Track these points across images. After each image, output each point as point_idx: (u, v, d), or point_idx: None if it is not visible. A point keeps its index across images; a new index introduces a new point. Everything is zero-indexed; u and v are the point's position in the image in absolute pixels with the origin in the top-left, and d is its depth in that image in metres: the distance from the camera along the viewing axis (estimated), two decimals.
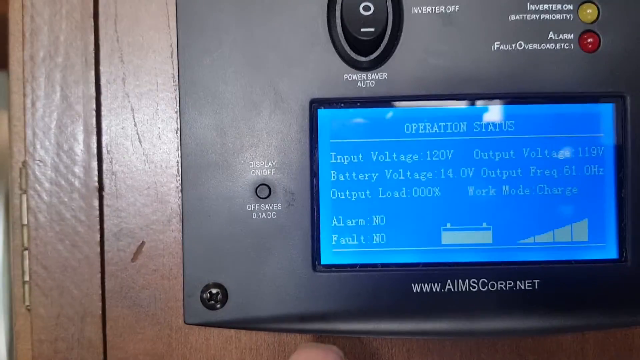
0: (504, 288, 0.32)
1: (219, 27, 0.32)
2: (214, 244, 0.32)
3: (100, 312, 0.34)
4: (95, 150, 0.34)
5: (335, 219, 0.33)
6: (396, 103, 0.33)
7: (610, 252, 0.33)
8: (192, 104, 0.32)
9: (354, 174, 0.33)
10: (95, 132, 0.34)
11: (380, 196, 0.33)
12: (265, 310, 0.32)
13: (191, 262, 0.32)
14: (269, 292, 0.32)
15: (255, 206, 0.32)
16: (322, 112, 0.33)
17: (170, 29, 0.34)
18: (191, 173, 0.32)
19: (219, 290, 0.32)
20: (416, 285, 0.33)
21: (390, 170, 0.33)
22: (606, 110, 0.33)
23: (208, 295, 0.32)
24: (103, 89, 0.34)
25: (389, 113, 0.33)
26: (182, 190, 0.32)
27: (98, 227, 0.34)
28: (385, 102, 0.33)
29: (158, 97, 0.34)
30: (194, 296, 0.32)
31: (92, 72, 0.34)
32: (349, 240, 0.33)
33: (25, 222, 0.34)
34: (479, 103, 0.33)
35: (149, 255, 0.34)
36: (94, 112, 0.34)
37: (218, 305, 0.32)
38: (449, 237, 0.33)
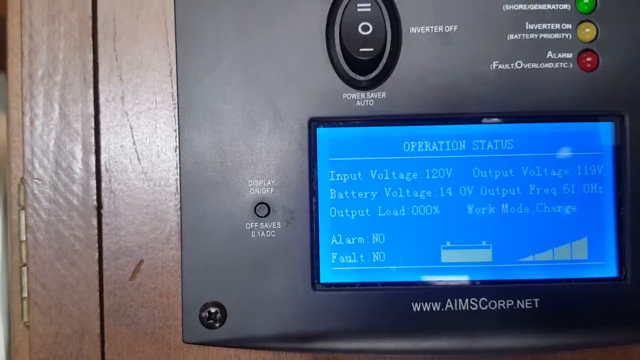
0: (504, 307, 0.32)
1: (218, 46, 0.32)
2: (213, 263, 0.32)
3: (99, 330, 0.34)
4: (93, 169, 0.34)
5: (334, 237, 0.33)
6: (395, 122, 0.33)
7: (609, 270, 0.33)
8: (191, 122, 0.32)
9: (353, 192, 0.33)
10: (94, 151, 0.34)
11: (380, 214, 0.33)
12: (265, 329, 0.32)
13: (190, 280, 0.32)
14: (268, 311, 0.32)
15: (254, 225, 0.32)
16: (321, 131, 0.33)
17: (169, 47, 0.34)
18: (190, 191, 0.32)
19: (217, 309, 0.32)
20: (416, 304, 0.33)
21: (390, 189, 0.33)
22: (605, 129, 0.33)
23: (207, 314, 0.32)
24: (102, 108, 0.34)
25: (388, 132, 0.33)
26: (181, 209, 0.32)
27: (96, 245, 0.34)
28: (384, 120, 0.33)
29: (157, 115, 0.34)
30: (193, 315, 0.32)
31: (91, 91, 0.34)
32: (348, 259, 0.33)
33: (23, 238, 0.34)
34: (478, 122, 0.33)
35: (148, 274, 0.34)
36: (92, 131, 0.34)
37: (217, 324, 0.32)
38: (448, 256, 0.33)
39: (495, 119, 0.33)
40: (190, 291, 0.32)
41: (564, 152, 0.33)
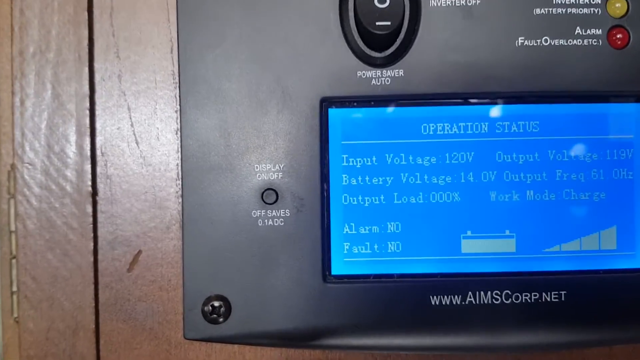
0: (529, 300, 0.31)
1: (223, 20, 0.30)
2: (216, 253, 0.30)
3: (94, 326, 0.32)
4: (88, 152, 0.32)
5: (347, 226, 0.31)
6: (413, 102, 0.31)
7: None
8: (193, 102, 0.30)
9: (367, 178, 0.31)
10: (88, 133, 0.32)
11: (396, 202, 0.31)
12: (271, 324, 0.30)
13: (192, 272, 0.30)
14: (275, 305, 0.30)
15: (261, 212, 0.30)
16: (333, 112, 0.31)
17: (170, 23, 0.32)
18: (192, 177, 0.30)
19: (221, 302, 0.30)
20: (434, 297, 0.31)
21: (406, 174, 0.31)
22: (636, 111, 0.31)
23: (210, 308, 0.30)
24: (97, 87, 0.32)
25: (405, 113, 0.31)
26: (182, 195, 0.30)
27: (91, 234, 0.32)
28: (401, 100, 0.31)
29: (157, 95, 0.32)
30: (195, 309, 0.30)
31: (86, 69, 0.32)
32: (361, 249, 0.31)
33: (13, 228, 0.32)
34: (501, 102, 0.31)
35: (146, 265, 0.32)
36: (87, 112, 0.32)
37: (221, 319, 0.30)
38: (469, 246, 0.31)
39: (520, 100, 0.31)
40: (192, 284, 0.30)
41: (593, 135, 0.31)
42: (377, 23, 0.30)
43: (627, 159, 0.31)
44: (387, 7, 0.30)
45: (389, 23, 0.30)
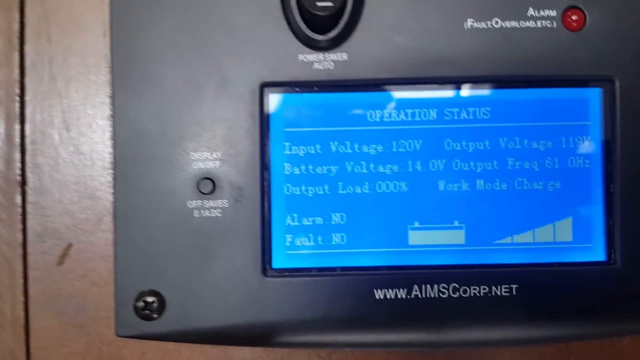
0: (478, 294, 0.29)
1: (158, 2, 0.29)
2: (150, 246, 0.29)
3: (23, 321, 0.31)
4: (17, 141, 0.31)
5: (289, 218, 0.30)
6: (358, 87, 0.30)
7: (597, 253, 0.30)
8: (126, 88, 0.29)
9: (310, 167, 0.30)
10: (18, 120, 0.31)
11: (340, 192, 0.30)
12: (209, 320, 0.29)
13: (124, 266, 0.29)
14: (212, 300, 0.29)
15: (197, 203, 0.29)
16: (274, 97, 0.30)
17: (104, 4, 0.31)
18: (125, 166, 0.29)
19: (155, 298, 0.29)
20: (379, 291, 0.30)
21: (352, 163, 0.30)
22: (593, 96, 0.30)
23: (143, 303, 0.29)
24: (28, 72, 0.31)
25: (350, 99, 0.30)
26: (114, 186, 0.29)
27: (20, 226, 0.31)
28: (345, 86, 0.30)
29: (89, 80, 0.31)
30: (127, 305, 0.29)
31: (17, 54, 0.31)
32: (304, 241, 0.30)
33: None
34: (451, 88, 0.30)
35: (77, 259, 0.31)
36: (17, 98, 0.31)
37: (154, 315, 0.29)
38: (416, 237, 0.30)
39: (470, 85, 0.30)
40: (124, 278, 0.29)
41: (547, 122, 0.30)
42: (319, 4, 0.29)
43: (584, 146, 0.30)
44: None
45: (331, 4, 0.29)
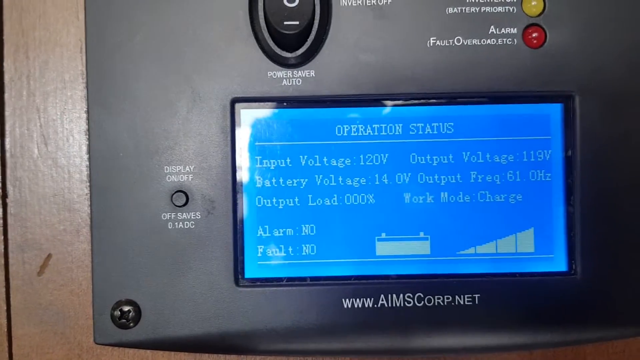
0: (441, 303, 0.31)
1: (131, 20, 0.30)
2: (126, 257, 0.30)
3: (5, 330, 0.32)
4: None
5: (261, 229, 0.32)
6: (326, 103, 0.31)
7: (558, 264, 0.32)
8: (101, 102, 0.30)
9: (281, 180, 0.32)
10: None
11: (310, 204, 0.32)
12: (183, 329, 0.31)
13: (101, 276, 0.30)
14: (186, 309, 0.31)
15: (171, 215, 0.31)
16: (245, 112, 0.31)
17: (80, 21, 0.32)
18: (101, 179, 0.30)
19: (131, 307, 0.30)
20: (347, 300, 0.31)
21: (321, 176, 0.32)
22: (554, 111, 0.32)
23: (119, 313, 0.30)
24: (6, 88, 0.32)
25: (319, 114, 0.31)
26: (90, 198, 0.30)
27: (1, 237, 0.32)
28: (314, 102, 0.31)
29: (66, 95, 0.32)
30: (104, 314, 0.30)
31: None
32: (275, 252, 0.32)
33: None
34: (415, 103, 0.31)
35: (57, 269, 0.32)
36: None
37: (131, 324, 0.30)
38: (383, 248, 0.32)
39: (434, 101, 0.31)
40: (101, 288, 0.30)
41: (508, 136, 0.32)
42: (286, 23, 0.30)
43: (545, 160, 0.32)
44: (296, 6, 0.30)
45: (297, 22, 0.30)
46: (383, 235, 0.32)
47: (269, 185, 0.31)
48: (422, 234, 0.32)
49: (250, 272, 0.31)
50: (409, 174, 0.31)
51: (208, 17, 0.30)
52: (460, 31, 0.31)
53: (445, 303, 0.31)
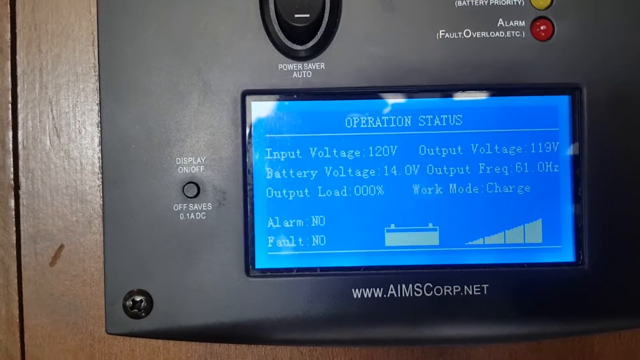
0: (450, 293, 0.32)
1: (143, 12, 0.31)
2: (137, 248, 0.31)
3: (18, 320, 0.33)
4: (10, 146, 0.33)
5: (271, 220, 0.32)
6: (336, 95, 0.32)
7: (566, 254, 0.33)
8: (113, 95, 0.31)
9: (291, 172, 0.32)
10: (10, 127, 0.33)
11: (320, 195, 0.32)
12: (194, 319, 0.31)
13: (113, 267, 0.31)
14: (198, 300, 0.31)
15: (182, 206, 0.31)
16: (255, 105, 0.32)
17: (92, 15, 0.33)
18: (113, 170, 0.31)
19: (143, 297, 0.31)
20: (357, 290, 0.32)
21: (330, 168, 0.32)
22: (561, 103, 0.32)
23: (131, 303, 0.31)
24: (19, 81, 0.33)
25: (328, 106, 0.32)
26: (102, 189, 0.31)
27: (14, 228, 0.33)
28: (324, 94, 0.32)
29: (78, 88, 0.33)
30: (116, 304, 0.31)
31: (8, 63, 0.33)
32: (286, 243, 0.32)
33: None
34: (424, 96, 0.32)
35: (69, 260, 0.33)
36: (9, 105, 0.33)
37: (143, 314, 0.31)
38: (392, 239, 0.32)
39: (443, 93, 0.32)
40: (113, 278, 0.31)
41: (517, 128, 0.32)
42: (296, 15, 0.31)
43: (553, 151, 0.32)
44: None
45: (307, 15, 0.31)
46: (392, 226, 0.32)
47: (279, 176, 0.32)
48: (430, 225, 0.32)
49: (260, 263, 0.32)
50: (418, 165, 0.32)
51: (219, 10, 0.31)
52: (469, 24, 0.32)
53: (454, 293, 0.32)
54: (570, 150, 0.32)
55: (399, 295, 0.32)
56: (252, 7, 0.31)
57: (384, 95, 0.32)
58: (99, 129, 0.33)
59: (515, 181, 0.32)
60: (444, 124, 0.32)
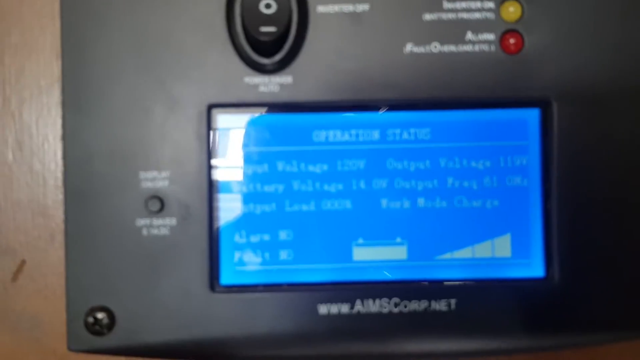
0: (418, 308, 0.32)
1: (107, 24, 0.31)
2: (100, 263, 0.31)
3: None
4: None
5: (237, 235, 0.32)
6: (304, 109, 0.32)
7: (535, 269, 0.32)
8: (77, 108, 0.31)
9: (258, 186, 0.32)
10: None
11: (287, 209, 0.32)
12: (158, 336, 0.31)
13: (75, 283, 0.31)
14: (161, 316, 0.31)
15: (145, 221, 0.31)
16: (221, 118, 0.32)
17: (56, 27, 0.33)
18: (75, 184, 0.31)
19: (105, 314, 0.31)
20: (322, 306, 0.32)
21: (298, 182, 0.32)
22: (531, 117, 0.32)
23: (93, 319, 0.31)
24: None
25: (296, 120, 0.32)
26: (65, 204, 0.31)
27: None
28: (291, 108, 0.32)
29: (41, 101, 0.33)
30: (78, 320, 0.31)
31: None
32: (252, 258, 0.32)
33: None
34: (392, 109, 0.32)
35: (31, 275, 0.33)
36: None
37: (104, 331, 0.31)
38: (360, 253, 0.32)
39: (411, 107, 0.32)
40: (75, 294, 0.31)
41: (485, 142, 0.32)
42: (262, 29, 0.31)
43: (522, 165, 0.32)
44: (273, 13, 0.31)
45: (274, 29, 0.31)
46: (360, 240, 0.32)
47: (246, 190, 0.32)
48: (399, 239, 0.32)
49: (226, 279, 0.32)
50: (386, 179, 0.32)
51: (185, 23, 0.31)
52: (437, 37, 0.31)
53: (422, 308, 0.32)
54: (539, 164, 0.32)
55: (365, 310, 0.32)
56: (219, 19, 0.31)
57: (351, 109, 0.32)
58: (62, 142, 0.32)
59: (484, 195, 0.32)
60: (413, 138, 0.32)
